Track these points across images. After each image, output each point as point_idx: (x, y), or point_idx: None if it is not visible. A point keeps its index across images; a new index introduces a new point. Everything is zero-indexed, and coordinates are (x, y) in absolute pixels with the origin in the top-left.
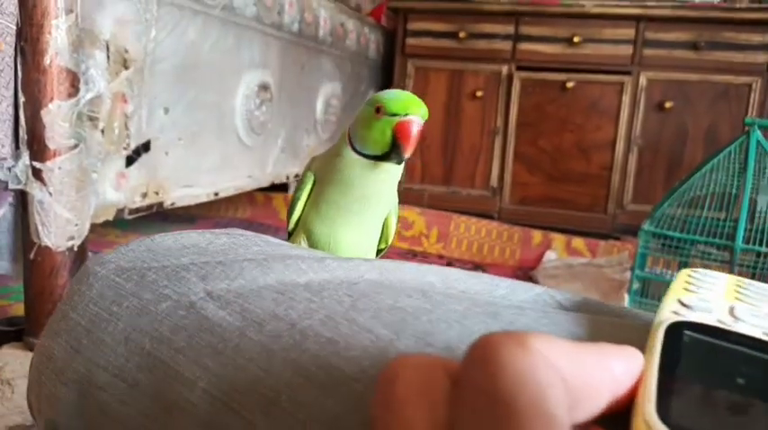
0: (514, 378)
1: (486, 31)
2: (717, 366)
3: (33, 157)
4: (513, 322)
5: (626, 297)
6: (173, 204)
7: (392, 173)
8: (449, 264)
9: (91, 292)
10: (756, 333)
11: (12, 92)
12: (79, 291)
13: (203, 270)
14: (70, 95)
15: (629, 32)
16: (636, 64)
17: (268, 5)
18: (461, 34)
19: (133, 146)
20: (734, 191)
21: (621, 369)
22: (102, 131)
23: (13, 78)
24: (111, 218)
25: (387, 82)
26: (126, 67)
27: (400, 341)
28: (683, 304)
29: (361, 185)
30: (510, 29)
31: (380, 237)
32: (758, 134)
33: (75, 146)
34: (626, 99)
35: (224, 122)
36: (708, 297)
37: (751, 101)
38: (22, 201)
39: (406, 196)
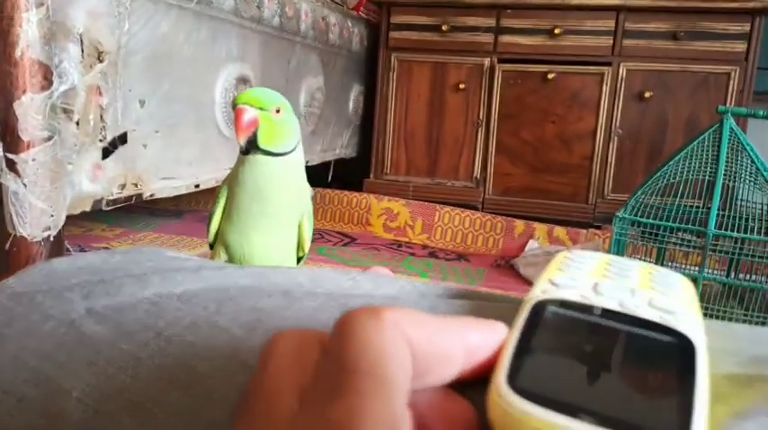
0: (359, 344)
1: (468, 23)
2: (570, 336)
3: (7, 149)
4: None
5: None
6: (152, 196)
7: (273, 166)
8: (433, 254)
9: None
10: (613, 305)
11: None
12: None
13: (86, 289)
14: (43, 88)
15: (609, 23)
16: (616, 54)
17: None
18: (444, 27)
19: (109, 138)
20: (707, 178)
21: (477, 339)
22: (77, 123)
23: None
24: (88, 209)
25: (371, 75)
26: (100, 60)
27: (252, 339)
28: (552, 283)
29: (250, 181)
30: (491, 21)
31: (298, 246)
32: (731, 122)
33: (50, 138)
34: (606, 89)
35: (203, 115)
36: (576, 275)
37: (730, 89)
38: None
39: (391, 188)
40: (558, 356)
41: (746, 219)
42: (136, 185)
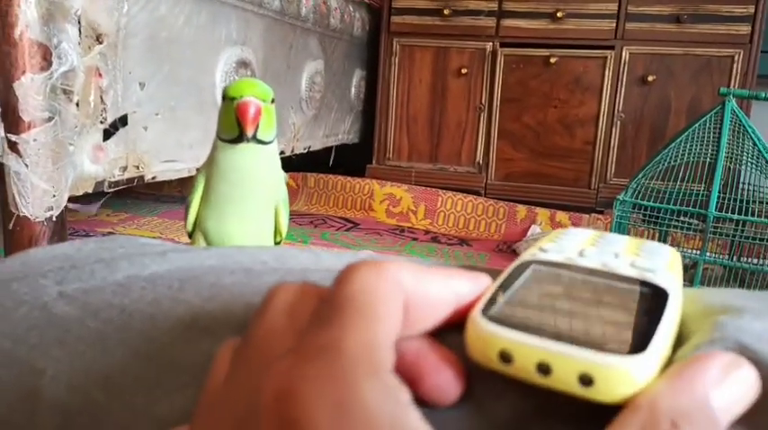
0: (354, 288)
1: (470, 7)
2: (547, 284)
3: (8, 130)
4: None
5: None
6: (154, 178)
7: (259, 154)
8: (435, 239)
9: None
10: (595, 265)
11: None
12: None
13: (59, 275)
14: (42, 69)
15: (611, 6)
16: (618, 38)
17: None
18: (446, 11)
19: (110, 119)
20: (709, 160)
21: (466, 288)
22: (77, 105)
23: None
24: (90, 190)
25: (372, 60)
26: (99, 42)
27: (210, 307)
28: (541, 249)
29: (233, 169)
30: (493, 5)
31: (275, 231)
32: (733, 104)
33: (50, 118)
34: (609, 73)
35: (204, 98)
36: (565, 245)
37: (734, 72)
38: None
39: (394, 173)
40: (532, 297)
41: (748, 202)
42: (137, 168)
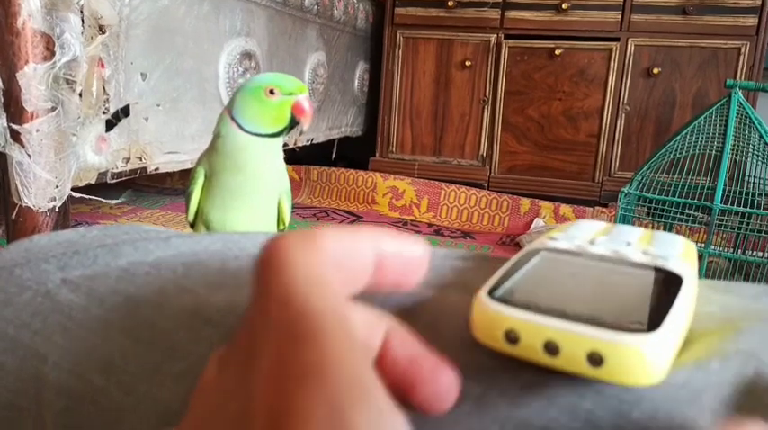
0: (299, 275)
1: None
2: (556, 268)
3: (11, 119)
4: None
5: None
6: (156, 169)
7: (269, 147)
8: (438, 232)
9: None
10: (606, 253)
11: None
12: None
13: (62, 261)
14: (45, 58)
15: None
16: (624, 30)
17: None
18: (450, 3)
19: (112, 110)
20: (714, 153)
21: (391, 246)
22: (80, 95)
23: None
24: (93, 181)
25: (376, 52)
26: (101, 32)
27: (215, 296)
28: (551, 238)
29: (254, 163)
30: None
31: (278, 221)
32: (739, 95)
33: (53, 108)
34: (614, 66)
35: (206, 89)
36: (575, 234)
37: (740, 65)
38: (1, 164)
39: (397, 167)
40: (540, 280)
41: (753, 195)
42: (140, 159)
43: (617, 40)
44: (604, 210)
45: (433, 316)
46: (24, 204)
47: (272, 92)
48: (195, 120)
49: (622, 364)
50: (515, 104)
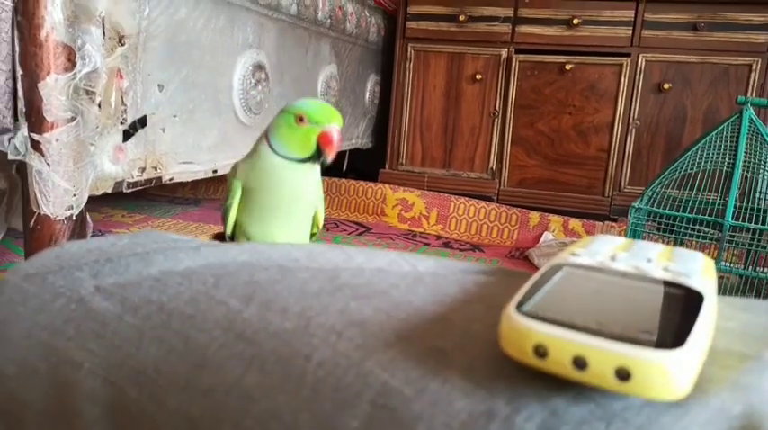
0: None
1: (485, 13)
2: (580, 284)
3: (31, 129)
4: (348, 281)
5: None
6: (171, 179)
7: (315, 172)
8: (447, 245)
9: (2, 298)
10: (628, 269)
11: (10, 65)
12: None
13: (94, 268)
14: (66, 69)
15: (628, 14)
16: (635, 45)
17: None
18: (461, 17)
19: (129, 121)
20: (725, 169)
21: None
22: (99, 105)
23: (10, 52)
24: (109, 190)
25: (387, 65)
26: (121, 44)
27: (247, 310)
28: (572, 254)
29: (289, 186)
30: (509, 11)
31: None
32: (751, 112)
33: (73, 118)
34: (624, 81)
35: (220, 101)
36: (597, 250)
37: (751, 81)
38: (21, 172)
39: (407, 179)
40: (566, 295)
41: (765, 211)
42: (156, 169)
43: (628, 55)
44: (614, 224)
45: (461, 329)
46: (42, 212)
47: (301, 119)
48: (210, 131)
49: (649, 380)
50: (525, 118)
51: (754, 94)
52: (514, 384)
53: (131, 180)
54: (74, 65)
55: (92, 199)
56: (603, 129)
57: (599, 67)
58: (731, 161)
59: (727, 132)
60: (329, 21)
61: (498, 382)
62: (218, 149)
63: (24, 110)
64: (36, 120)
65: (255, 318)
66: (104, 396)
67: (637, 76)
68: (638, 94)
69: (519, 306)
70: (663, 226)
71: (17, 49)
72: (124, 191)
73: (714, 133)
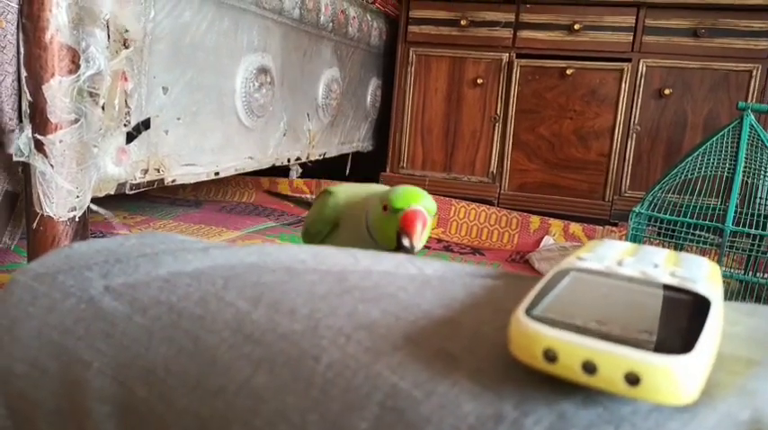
0: None
1: (487, 18)
2: (587, 289)
3: (36, 130)
4: (356, 284)
5: None
6: (173, 181)
7: None
8: (447, 248)
9: (12, 298)
10: (635, 274)
11: (15, 67)
12: (2, 298)
13: (104, 269)
14: (71, 71)
15: (629, 19)
16: (635, 51)
17: None
18: (463, 22)
19: (133, 123)
20: (726, 174)
21: None
22: (103, 108)
23: (15, 54)
24: (112, 192)
25: (389, 69)
26: (126, 46)
27: (256, 311)
28: (579, 258)
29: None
30: (510, 16)
31: None
32: (751, 118)
33: (76, 120)
34: (625, 86)
35: (224, 103)
36: (604, 254)
37: (751, 88)
38: (25, 174)
39: (408, 182)
40: (574, 300)
41: (765, 217)
42: (158, 171)
43: (628, 60)
44: (614, 229)
45: (469, 332)
46: (45, 214)
47: (384, 208)
48: (213, 133)
49: (658, 384)
50: (526, 123)
51: (754, 100)
52: (523, 387)
53: (134, 182)
54: (78, 67)
55: (94, 200)
56: (604, 134)
57: (600, 73)
58: (732, 167)
59: (727, 138)
60: (331, 24)
61: (506, 386)
62: (220, 152)
63: (29, 111)
64: (40, 122)
65: (264, 319)
66: (114, 395)
67: (637, 82)
68: (639, 100)
69: (528, 310)
70: (663, 231)
71: (22, 51)
72: (127, 192)
73: (714, 139)
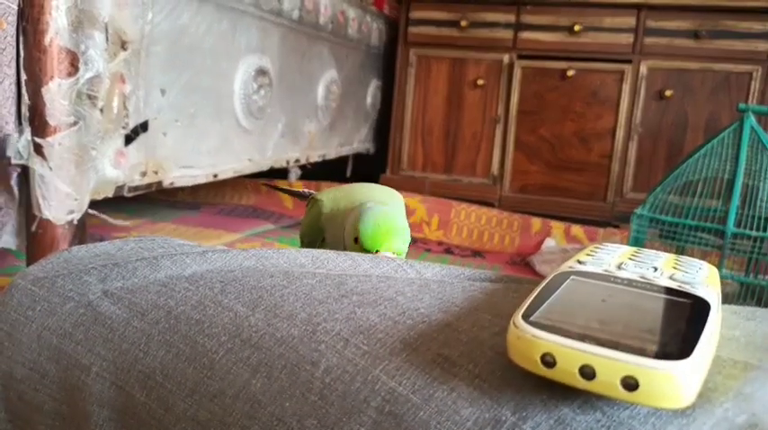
0: None
1: (487, 19)
2: (586, 292)
3: (34, 133)
4: (354, 288)
5: None
6: (172, 184)
7: None
8: (448, 251)
9: (12, 301)
10: (634, 277)
11: (14, 70)
12: (2, 302)
13: (102, 273)
14: (70, 74)
15: (629, 21)
16: (636, 52)
17: None
18: (463, 23)
19: (131, 125)
20: (727, 176)
21: None
22: (101, 110)
23: (15, 57)
24: (110, 194)
25: (388, 70)
26: (124, 49)
27: (254, 315)
28: (578, 262)
29: None
30: (511, 17)
31: None
32: (752, 120)
33: (75, 123)
34: (626, 87)
35: (222, 105)
36: (603, 258)
37: (751, 89)
38: (24, 176)
39: (408, 184)
40: (573, 304)
41: (766, 219)
42: (156, 173)
43: (629, 62)
44: (616, 231)
45: (468, 337)
46: (44, 216)
47: (356, 240)
48: (211, 135)
49: (657, 389)
50: (527, 124)
51: (754, 102)
52: (521, 392)
53: (132, 184)
54: (77, 70)
55: (92, 203)
56: (605, 136)
57: (601, 74)
58: (732, 169)
59: (728, 140)
60: (331, 26)
61: (505, 390)
62: (218, 154)
63: (28, 114)
64: (39, 125)
65: (262, 323)
66: (112, 399)
67: (639, 83)
68: (640, 101)
69: (526, 315)
70: (665, 233)
71: (21, 53)
72: (125, 195)
73: (715, 141)
